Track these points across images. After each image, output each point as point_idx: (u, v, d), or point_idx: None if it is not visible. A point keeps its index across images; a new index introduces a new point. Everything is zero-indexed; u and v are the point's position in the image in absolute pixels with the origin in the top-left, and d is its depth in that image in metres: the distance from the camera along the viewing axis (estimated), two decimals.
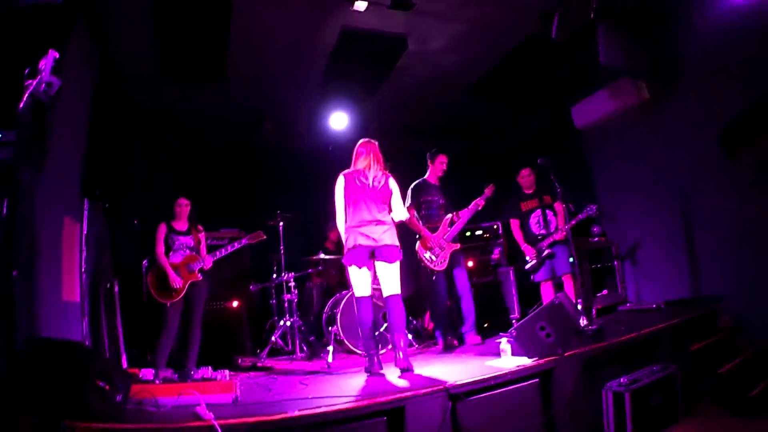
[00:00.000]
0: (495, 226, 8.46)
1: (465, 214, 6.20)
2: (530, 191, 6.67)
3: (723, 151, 6.07)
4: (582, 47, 6.37)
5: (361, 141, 5.09)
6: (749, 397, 4.67)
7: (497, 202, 6.78)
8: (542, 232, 6.46)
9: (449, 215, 6.20)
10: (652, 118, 7.03)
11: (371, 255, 4.73)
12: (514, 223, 6.67)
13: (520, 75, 7.82)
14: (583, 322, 5.86)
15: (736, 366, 5.08)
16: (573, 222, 6.03)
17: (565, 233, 6.07)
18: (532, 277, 6.58)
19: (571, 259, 6.09)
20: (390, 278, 4.74)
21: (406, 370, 4.37)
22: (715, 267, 6.37)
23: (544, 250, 6.33)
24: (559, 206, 6.34)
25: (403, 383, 3.95)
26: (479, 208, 6.23)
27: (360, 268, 4.68)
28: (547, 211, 6.50)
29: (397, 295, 4.74)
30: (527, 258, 6.41)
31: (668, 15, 6.55)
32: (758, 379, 4.98)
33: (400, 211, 5.03)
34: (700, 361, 5.02)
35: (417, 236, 6.10)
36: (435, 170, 6.39)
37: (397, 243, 4.78)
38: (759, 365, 5.31)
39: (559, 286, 6.45)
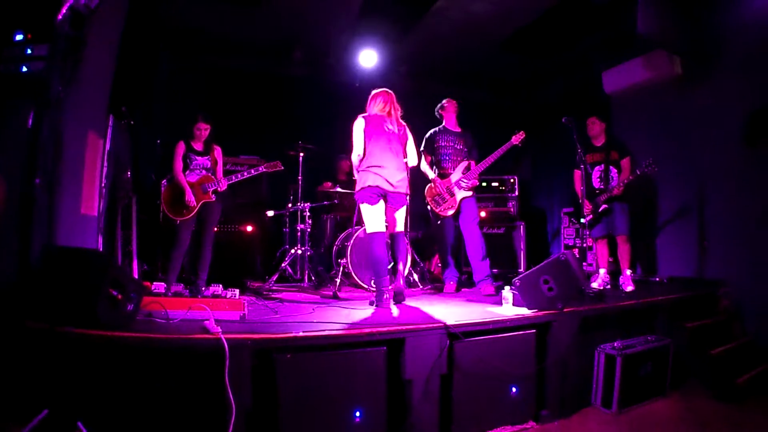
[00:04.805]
0: (512, 180, 8.51)
1: (484, 162, 6.15)
2: (598, 144, 6.41)
3: (744, 139, 6.04)
4: (621, 13, 6.25)
5: (379, 90, 5.16)
6: (736, 383, 4.74)
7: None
8: (601, 186, 6.25)
9: (465, 162, 6.22)
10: (680, 94, 6.98)
11: (384, 198, 4.87)
12: (577, 174, 6.34)
13: (554, 34, 7.69)
14: (595, 284, 6.02)
15: (729, 350, 5.16)
16: (631, 177, 5.91)
17: (622, 188, 5.97)
18: (588, 232, 6.43)
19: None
20: (397, 219, 5.07)
21: (399, 294, 4.83)
22: (721, 251, 6.40)
23: (600, 205, 6.15)
24: (625, 163, 6.16)
25: (405, 318, 4.06)
26: (502, 153, 6.10)
27: (373, 205, 4.80)
28: (611, 167, 6.25)
29: (402, 232, 5.13)
30: (584, 212, 6.12)
31: None
32: (747, 367, 5.04)
33: (413, 156, 5.26)
34: (694, 339, 5.11)
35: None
36: (446, 117, 6.41)
37: (408, 191, 5.02)
38: (750, 354, 5.38)
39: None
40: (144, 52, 6.02)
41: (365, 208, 4.85)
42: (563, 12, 6.93)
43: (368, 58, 8.13)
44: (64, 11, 3.57)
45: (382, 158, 4.83)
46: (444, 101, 6.48)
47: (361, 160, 4.94)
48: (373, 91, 5.17)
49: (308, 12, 7.27)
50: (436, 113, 6.50)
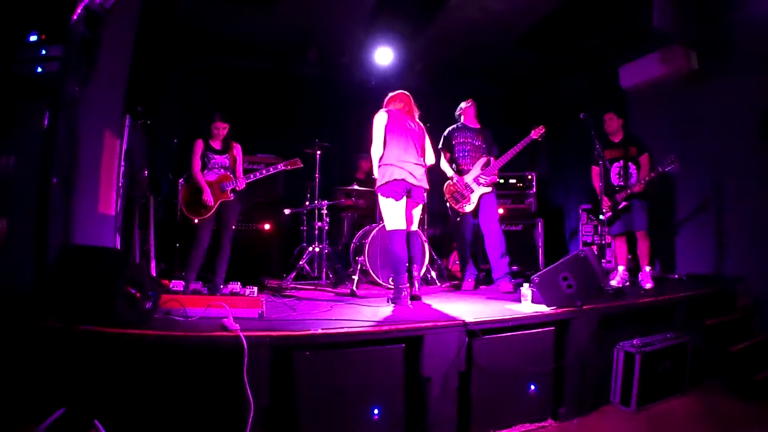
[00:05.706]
0: (530, 176, 8.46)
1: (503, 157, 6.09)
2: (616, 140, 6.34)
3: (761, 134, 5.96)
4: (637, 8, 6.22)
5: (396, 91, 5.19)
6: (755, 380, 4.69)
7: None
8: (621, 183, 6.20)
9: (483, 158, 6.17)
10: (697, 90, 6.89)
11: (408, 193, 4.83)
12: (595, 171, 6.33)
13: (570, 30, 7.60)
14: (614, 281, 5.96)
15: (748, 348, 5.10)
16: (653, 175, 5.85)
17: (643, 186, 5.92)
18: (608, 229, 6.37)
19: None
20: (414, 217, 5.02)
21: (416, 298, 4.70)
22: (739, 248, 6.31)
23: (620, 203, 6.09)
24: (644, 159, 6.12)
25: (424, 315, 4.04)
26: (522, 148, 6.06)
27: (397, 201, 4.76)
28: (630, 163, 6.20)
29: (417, 231, 5.12)
30: (603, 209, 6.04)
31: None
32: (766, 364, 4.99)
33: (430, 154, 5.21)
34: (713, 336, 5.06)
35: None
36: (465, 115, 6.41)
37: (428, 186, 4.98)
38: None
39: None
40: (158, 51, 6.03)
41: (388, 204, 4.80)
42: (579, 7, 6.86)
43: (384, 56, 8.10)
44: (79, 11, 3.58)
45: (404, 153, 4.81)
46: (462, 103, 6.48)
47: (382, 155, 4.91)
48: (390, 93, 5.19)
49: (323, 11, 7.26)
50: (455, 115, 6.50)
